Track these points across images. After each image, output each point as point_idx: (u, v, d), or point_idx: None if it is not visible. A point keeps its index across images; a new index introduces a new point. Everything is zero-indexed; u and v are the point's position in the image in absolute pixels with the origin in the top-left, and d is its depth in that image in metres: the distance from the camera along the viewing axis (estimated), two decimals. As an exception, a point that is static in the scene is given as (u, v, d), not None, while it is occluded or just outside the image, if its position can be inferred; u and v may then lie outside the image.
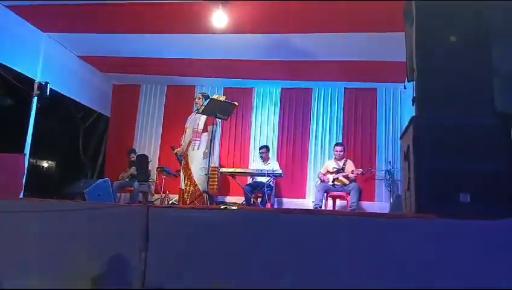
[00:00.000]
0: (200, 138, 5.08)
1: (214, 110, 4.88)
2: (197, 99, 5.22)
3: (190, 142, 5.04)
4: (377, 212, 5.20)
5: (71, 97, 7.26)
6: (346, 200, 6.18)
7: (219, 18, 5.19)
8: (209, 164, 4.79)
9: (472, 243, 2.15)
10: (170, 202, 6.19)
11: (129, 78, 8.05)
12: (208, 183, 4.71)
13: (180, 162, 5.24)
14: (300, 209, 5.04)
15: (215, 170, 5.11)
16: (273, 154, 7.56)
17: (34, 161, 12.75)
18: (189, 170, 4.96)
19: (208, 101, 5.05)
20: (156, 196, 6.73)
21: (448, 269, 2.14)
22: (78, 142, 12.08)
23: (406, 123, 3.06)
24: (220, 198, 7.26)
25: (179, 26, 5.62)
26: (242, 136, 7.95)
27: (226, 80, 7.68)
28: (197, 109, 5.21)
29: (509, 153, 2.45)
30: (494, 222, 2.13)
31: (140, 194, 6.49)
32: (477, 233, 2.15)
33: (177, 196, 5.46)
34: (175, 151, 5.29)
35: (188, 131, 5.09)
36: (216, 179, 5.25)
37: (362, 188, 6.22)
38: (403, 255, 2.25)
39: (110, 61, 7.13)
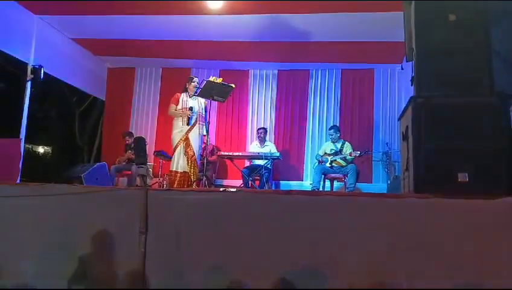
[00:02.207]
0: (204, 122, 5.12)
1: (211, 92, 4.84)
2: (197, 83, 5.17)
3: (193, 126, 5.04)
4: (375, 193, 5.21)
5: (65, 81, 7.18)
6: (344, 181, 6.20)
7: (215, -1, 5.10)
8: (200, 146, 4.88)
9: (471, 222, 2.16)
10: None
11: (124, 61, 7.95)
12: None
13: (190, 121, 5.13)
14: (299, 190, 5.08)
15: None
16: (270, 136, 7.55)
17: (30, 146, 12.66)
18: (192, 151, 5.00)
19: (204, 83, 5.00)
20: (155, 179, 6.75)
21: (448, 248, 2.15)
22: (73, 126, 11.99)
23: (403, 105, 3.05)
24: (218, 181, 7.27)
25: (174, 7, 5.52)
26: (239, 119, 7.91)
27: (222, 62, 7.60)
28: (189, 92, 5.16)
29: (509, 132, 2.45)
30: (493, 201, 2.14)
31: (137, 178, 6.48)
32: (477, 212, 2.16)
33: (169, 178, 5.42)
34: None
35: (193, 116, 5.07)
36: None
37: (360, 169, 6.24)
38: (401, 235, 2.26)
39: (103, 44, 7.02)
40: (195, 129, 5.04)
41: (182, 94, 5.20)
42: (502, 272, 2.06)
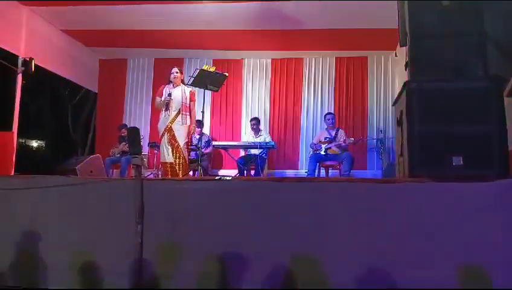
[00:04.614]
0: (190, 113, 5.03)
1: (204, 81, 4.79)
2: (175, 73, 5.11)
3: (176, 116, 4.95)
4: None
5: (57, 73, 7.09)
6: (339, 169, 6.22)
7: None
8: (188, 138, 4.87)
9: (465, 205, 2.17)
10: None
11: (115, 52, 7.88)
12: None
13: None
14: (294, 177, 5.09)
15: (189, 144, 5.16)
16: (265, 125, 7.55)
17: (23, 140, 12.57)
18: (177, 142, 4.91)
19: (197, 72, 4.95)
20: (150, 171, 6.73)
21: (442, 231, 2.17)
22: (66, 119, 11.91)
23: (397, 92, 3.05)
24: (213, 171, 7.27)
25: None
26: (233, 108, 7.89)
27: (215, 51, 7.55)
28: (172, 82, 5.09)
29: (502, 115, 2.46)
30: (486, 184, 2.16)
31: (133, 170, 6.40)
32: (471, 195, 2.18)
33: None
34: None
35: (174, 105, 4.97)
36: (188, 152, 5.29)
37: (354, 157, 6.26)
38: (396, 219, 2.28)
39: (95, 35, 6.94)
40: (179, 119, 4.96)
41: (166, 86, 5.14)
42: (496, 252, 2.08)
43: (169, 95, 4.93)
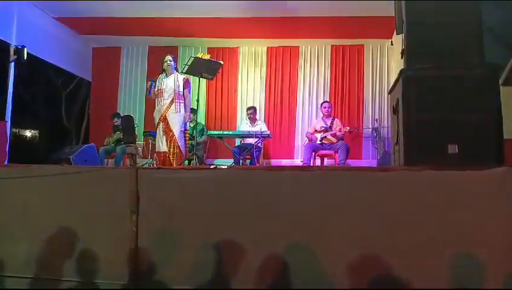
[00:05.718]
0: (184, 100, 5.00)
1: (199, 69, 4.75)
2: (169, 62, 5.07)
3: (170, 104, 4.93)
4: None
5: (50, 62, 7.01)
6: (334, 158, 6.22)
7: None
8: (185, 126, 4.81)
9: (461, 193, 2.17)
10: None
11: (109, 40, 7.79)
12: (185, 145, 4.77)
13: (148, 92, 5.13)
14: (290, 166, 5.08)
15: (187, 132, 5.13)
16: (260, 114, 7.51)
17: (17, 129, 12.44)
18: (171, 131, 4.89)
19: (191, 60, 4.91)
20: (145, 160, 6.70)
21: (438, 219, 2.17)
22: (60, 108, 11.80)
23: (393, 80, 3.04)
24: (208, 161, 7.26)
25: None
26: (229, 97, 7.85)
27: (209, 39, 7.48)
28: (166, 72, 5.06)
29: (498, 104, 2.46)
30: (483, 172, 2.16)
31: (128, 159, 6.41)
32: (467, 183, 2.18)
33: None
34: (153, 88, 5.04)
35: (166, 93, 4.95)
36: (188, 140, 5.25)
37: (350, 146, 6.26)
38: (393, 207, 2.28)
39: (87, 23, 6.84)
40: (173, 108, 4.93)
41: (160, 76, 5.12)
42: (494, 241, 2.09)
43: (154, 82, 4.92)
